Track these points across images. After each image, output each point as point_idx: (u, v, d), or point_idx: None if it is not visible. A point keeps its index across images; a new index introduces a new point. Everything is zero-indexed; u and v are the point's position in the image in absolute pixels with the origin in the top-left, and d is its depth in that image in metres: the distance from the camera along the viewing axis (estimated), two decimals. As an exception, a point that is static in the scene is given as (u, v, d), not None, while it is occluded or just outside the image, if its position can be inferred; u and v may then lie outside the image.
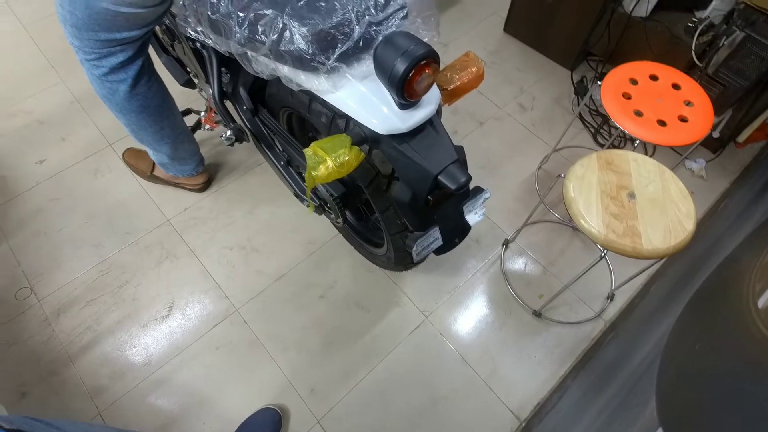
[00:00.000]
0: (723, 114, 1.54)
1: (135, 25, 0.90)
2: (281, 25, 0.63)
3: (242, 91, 1.06)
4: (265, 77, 0.73)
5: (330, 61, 0.64)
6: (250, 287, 1.35)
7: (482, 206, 0.85)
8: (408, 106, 0.67)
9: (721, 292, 0.83)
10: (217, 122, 1.38)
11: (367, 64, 0.66)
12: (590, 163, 1.03)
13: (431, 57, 0.61)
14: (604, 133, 1.71)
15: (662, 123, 1.11)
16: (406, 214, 0.79)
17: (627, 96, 1.16)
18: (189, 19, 0.76)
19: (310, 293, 1.35)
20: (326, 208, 1.12)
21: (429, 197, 0.74)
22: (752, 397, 0.57)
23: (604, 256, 1.02)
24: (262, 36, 0.65)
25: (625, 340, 1.09)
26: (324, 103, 0.78)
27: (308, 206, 0.72)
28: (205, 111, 1.38)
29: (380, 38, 0.65)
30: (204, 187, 1.52)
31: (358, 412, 1.17)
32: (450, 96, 0.76)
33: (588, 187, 0.99)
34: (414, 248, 0.78)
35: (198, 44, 1.06)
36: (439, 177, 0.69)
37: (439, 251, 0.86)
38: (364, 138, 0.70)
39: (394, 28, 0.66)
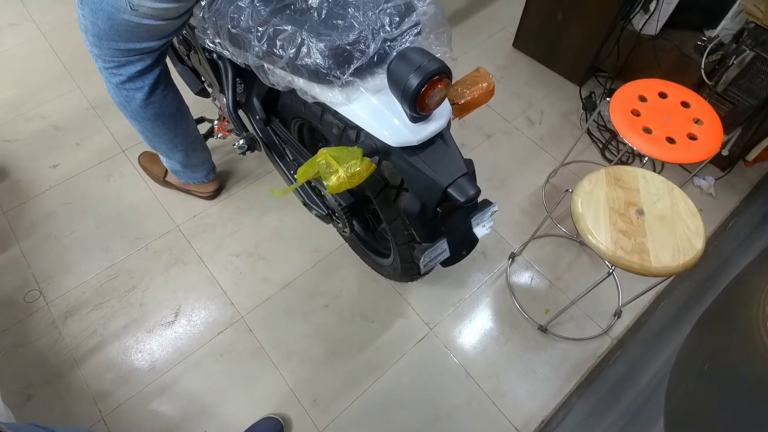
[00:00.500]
0: (732, 132, 1.54)
1: (155, 36, 0.93)
2: (299, 40, 0.65)
3: (256, 101, 1.08)
4: (280, 89, 0.74)
5: (345, 76, 0.66)
6: (255, 295, 1.35)
7: (490, 219, 0.86)
8: (419, 120, 0.69)
9: (731, 313, 0.83)
10: (229, 131, 1.40)
11: (380, 78, 0.68)
12: (599, 178, 1.03)
13: (444, 72, 0.62)
14: (612, 148, 1.71)
15: (671, 140, 1.12)
16: (415, 226, 0.80)
17: (636, 113, 1.17)
18: (208, 31, 0.78)
19: (315, 302, 1.35)
20: (334, 218, 1.13)
21: (438, 209, 0.75)
22: (763, 420, 0.56)
23: (612, 273, 1.02)
24: (280, 50, 0.66)
25: (632, 358, 1.08)
26: (336, 114, 0.79)
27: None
28: (218, 120, 1.40)
29: (394, 53, 0.66)
30: (214, 194, 1.53)
31: (360, 424, 1.17)
32: (460, 110, 0.77)
33: (596, 202, 1.00)
34: (422, 260, 0.78)
35: (214, 55, 1.08)
36: (449, 189, 0.70)
37: (446, 263, 0.86)
38: (375, 149, 0.71)
39: (407, 44, 0.68)
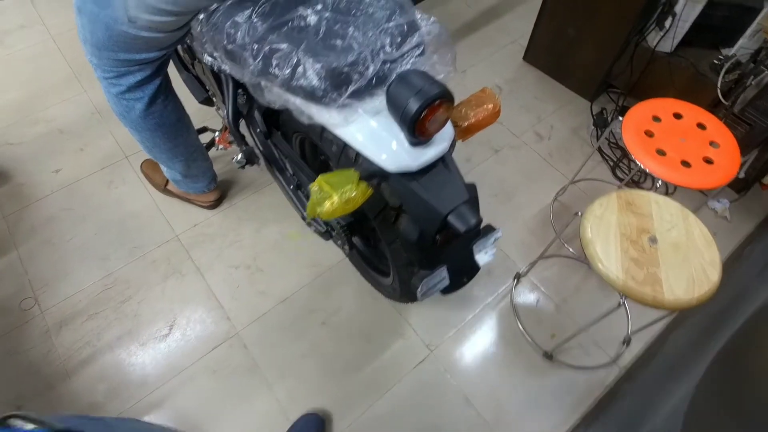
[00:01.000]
0: (749, 154, 1.48)
1: (154, 47, 0.91)
2: (295, 60, 0.62)
3: (257, 114, 1.06)
4: (276, 107, 0.72)
5: (342, 98, 0.63)
6: (252, 309, 1.32)
7: (493, 246, 0.82)
8: (419, 144, 0.65)
9: (753, 350, 0.78)
10: (230, 143, 1.38)
11: (380, 100, 0.65)
12: (610, 202, 0.99)
13: (445, 96, 0.59)
14: (623, 167, 1.66)
15: (686, 164, 1.07)
16: (413, 253, 0.76)
17: (649, 134, 1.13)
18: (205, 45, 0.76)
19: (313, 318, 1.31)
20: (333, 235, 1.10)
21: (437, 236, 0.72)
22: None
23: (623, 303, 0.97)
24: (276, 69, 0.64)
25: (642, 392, 1.03)
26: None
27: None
28: (220, 131, 1.38)
29: (394, 75, 0.63)
30: (215, 204, 1.51)
31: (355, 449, 1.13)
32: (464, 132, 0.74)
33: (607, 228, 0.95)
34: (419, 288, 0.75)
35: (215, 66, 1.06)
36: (449, 218, 0.66)
37: (446, 291, 0.82)
38: (373, 172, 0.68)
39: (409, 66, 0.65)
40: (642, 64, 1.58)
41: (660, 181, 1.49)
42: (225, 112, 1.10)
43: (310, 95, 0.63)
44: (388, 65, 0.63)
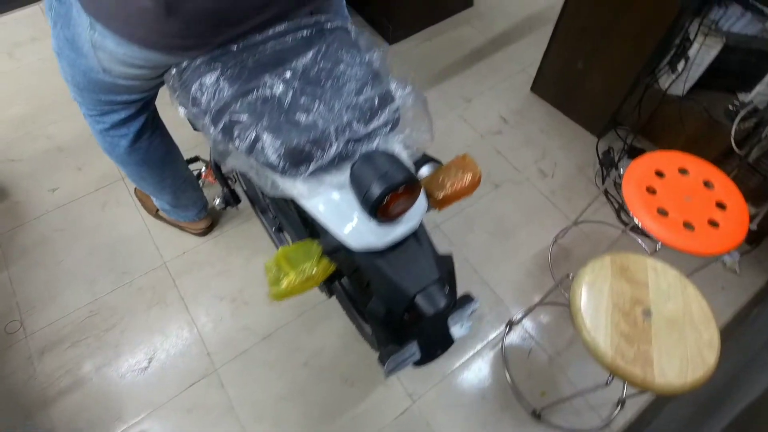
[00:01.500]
0: (762, 206, 1.40)
1: (135, 91, 0.89)
2: (254, 135, 0.59)
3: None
4: (241, 171, 0.69)
5: (303, 175, 0.60)
6: (234, 345, 1.30)
7: (470, 318, 0.77)
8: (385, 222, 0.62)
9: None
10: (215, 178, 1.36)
11: (345, 173, 0.61)
12: (603, 267, 0.93)
13: (409, 182, 0.55)
14: (628, 210, 1.59)
15: (689, 226, 1.01)
16: (380, 331, 0.72)
17: (651, 190, 1.07)
18: (178, 97, 0.74)
19: (295, 358, 1.28)
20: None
21: (406, 314, 0.67)
22: None
23: (610, 383, 0.91)
24: (237, 140, 0.61)
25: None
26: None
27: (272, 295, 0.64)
28: (206, 166, 1.36)
29: (360, 152, 0.60)
30: (206, 231, 1.49)
31: (327, 503, 1.09)
32: (440, 203, 0.69)
33: (598, 296, 0.90)
34: (386, 365, 0.70)
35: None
36: (416, 299, 0.62)
37: (418, 363, 0.78)
38: (337, 248, 0.65)
39: (377, 143, 0.61)
40: (652, 106, 1.51)
41: (660, 245, 1.41)
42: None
43: (272, 168, 0.60)
44: (352, 144, 0.59)
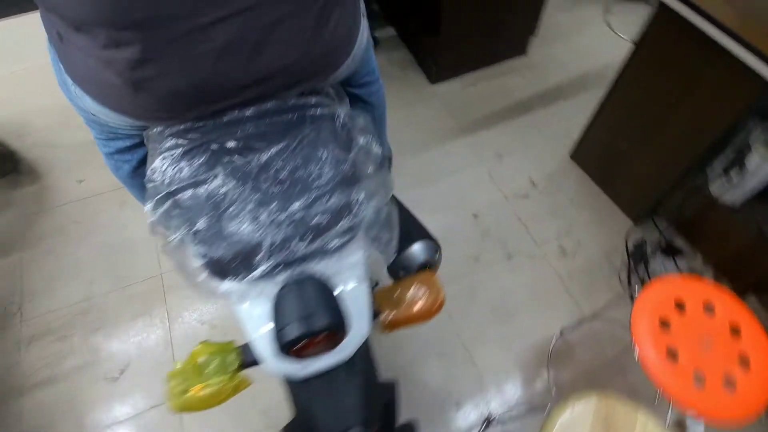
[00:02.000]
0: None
1: (127, 131, 0.90)
2: (179, 237, 0.56)
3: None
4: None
5: (220, 288, 0.55)
6: (203, 375, 1.29)
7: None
8: None
9: None
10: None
11: (273, 286, 0.56)
12: (584, 411, 0.82)
13: (332, 330, 0.49)
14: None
15: (700, 379, 0.87)
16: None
17: (665, 323, 0.93)
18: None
19: (256, 404, 1.25)
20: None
21: None
22: None
23: None
24: (167, 230, 0.58)
25: None
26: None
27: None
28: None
29: (293, 272, 0.55)
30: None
31: None
32: (390, 325, 0.63)
33: (570, 439, 0.79)
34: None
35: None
36: None
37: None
38: (256, 363, 0.60)
39: (317, 266, 0.55)
40: (697, 206, 1.35)
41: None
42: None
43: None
44: (281, 267, 0.54)
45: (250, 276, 0.54)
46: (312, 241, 0.54)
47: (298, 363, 0.56)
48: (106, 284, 1.45)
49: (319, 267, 0.55)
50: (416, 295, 0.63)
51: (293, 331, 0.49)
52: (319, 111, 0.65)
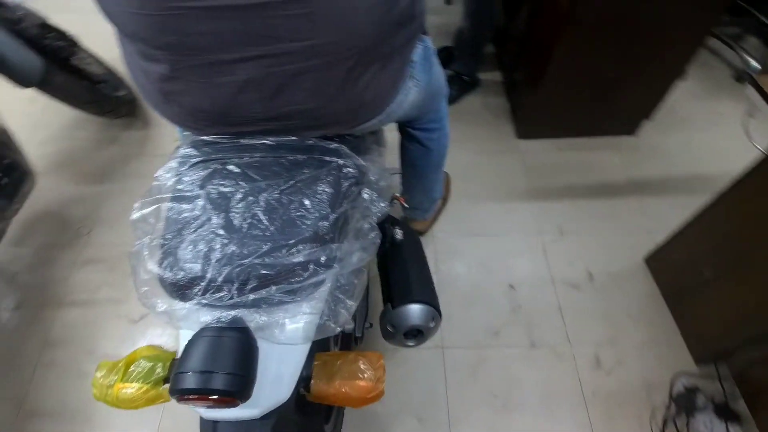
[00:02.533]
0: None
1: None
2: (142, 245, 0.59)
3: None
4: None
5: (160, 307, 0.57)
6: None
7: None
8: None
9: None
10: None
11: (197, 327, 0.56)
12: None
13: (225, 397, 0.48)
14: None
15: None
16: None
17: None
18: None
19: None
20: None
21: None
22: None
23: None
24: (140, 236, 0.62)
25: None
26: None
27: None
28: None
29: (222, 316, 0.54)
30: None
31: None
32: (316, 395, 0.59)
33: None
34: None
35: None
36: None
37: None
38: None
39: (261, 314, 0.54)
40: (779, 377, 1.09)
41: None
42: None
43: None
44: (210, 307, 0.54)
45: (182, 306, 0.55)
46: (253, 290, 0.54)
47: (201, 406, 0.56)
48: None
49: (257, 317, 0.54)
50: (356, 374, 0.59)
51: (183, 383, 0.49)
52: (327, 158, 0.65)
